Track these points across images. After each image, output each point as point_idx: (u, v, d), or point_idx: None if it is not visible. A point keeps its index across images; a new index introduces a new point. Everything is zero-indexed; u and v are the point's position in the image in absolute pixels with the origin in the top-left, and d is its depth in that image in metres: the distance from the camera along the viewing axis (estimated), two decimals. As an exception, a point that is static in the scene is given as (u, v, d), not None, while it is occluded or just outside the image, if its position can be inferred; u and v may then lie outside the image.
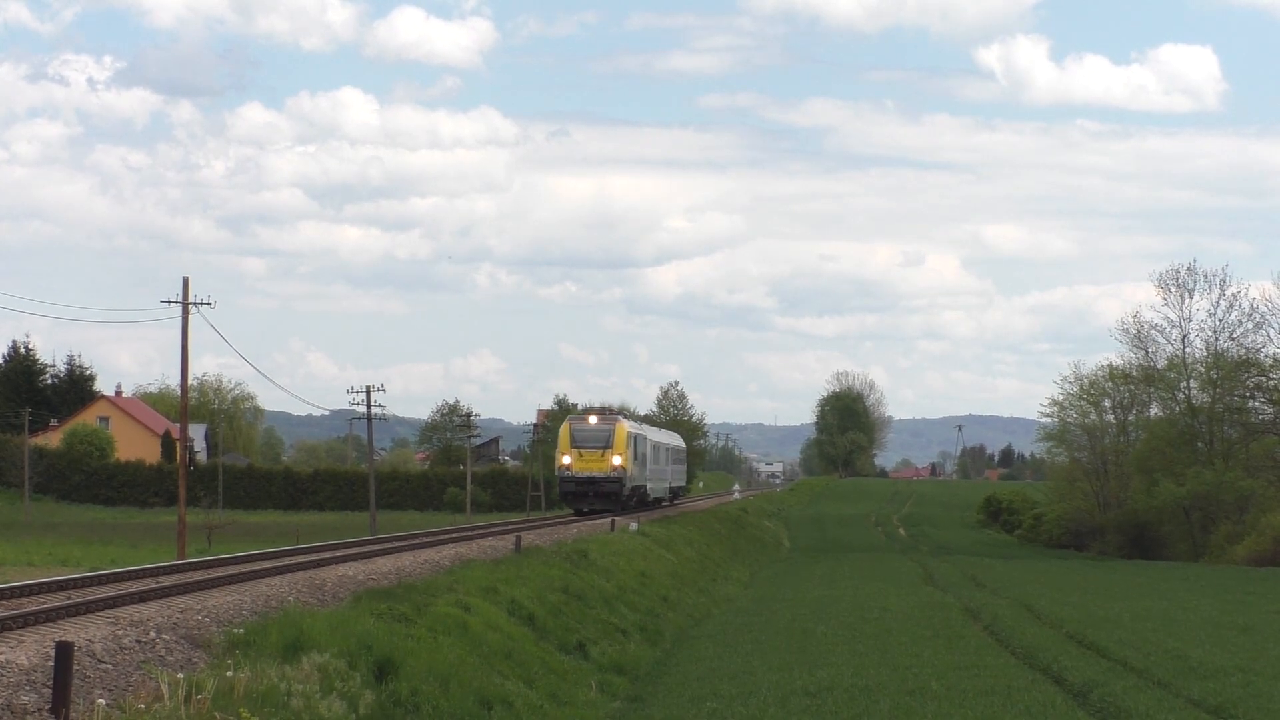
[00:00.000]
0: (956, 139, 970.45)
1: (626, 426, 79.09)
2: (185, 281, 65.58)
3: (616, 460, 77.13)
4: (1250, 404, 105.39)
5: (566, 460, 77.54)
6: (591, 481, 77.30)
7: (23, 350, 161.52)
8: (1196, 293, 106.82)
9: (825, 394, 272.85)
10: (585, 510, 78.12)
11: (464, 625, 28.90)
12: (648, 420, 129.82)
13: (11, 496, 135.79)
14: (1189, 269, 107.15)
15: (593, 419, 79.19)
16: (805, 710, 26.76)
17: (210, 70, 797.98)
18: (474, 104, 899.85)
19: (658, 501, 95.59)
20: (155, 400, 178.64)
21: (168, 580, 30.75)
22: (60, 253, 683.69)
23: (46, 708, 17.67)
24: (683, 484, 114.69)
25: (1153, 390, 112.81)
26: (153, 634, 23.05)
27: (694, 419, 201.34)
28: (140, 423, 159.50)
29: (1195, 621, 44.79)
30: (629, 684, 31.95)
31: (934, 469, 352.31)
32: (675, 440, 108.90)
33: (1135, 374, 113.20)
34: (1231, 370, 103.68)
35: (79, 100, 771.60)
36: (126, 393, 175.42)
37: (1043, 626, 42.08)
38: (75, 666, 18.18)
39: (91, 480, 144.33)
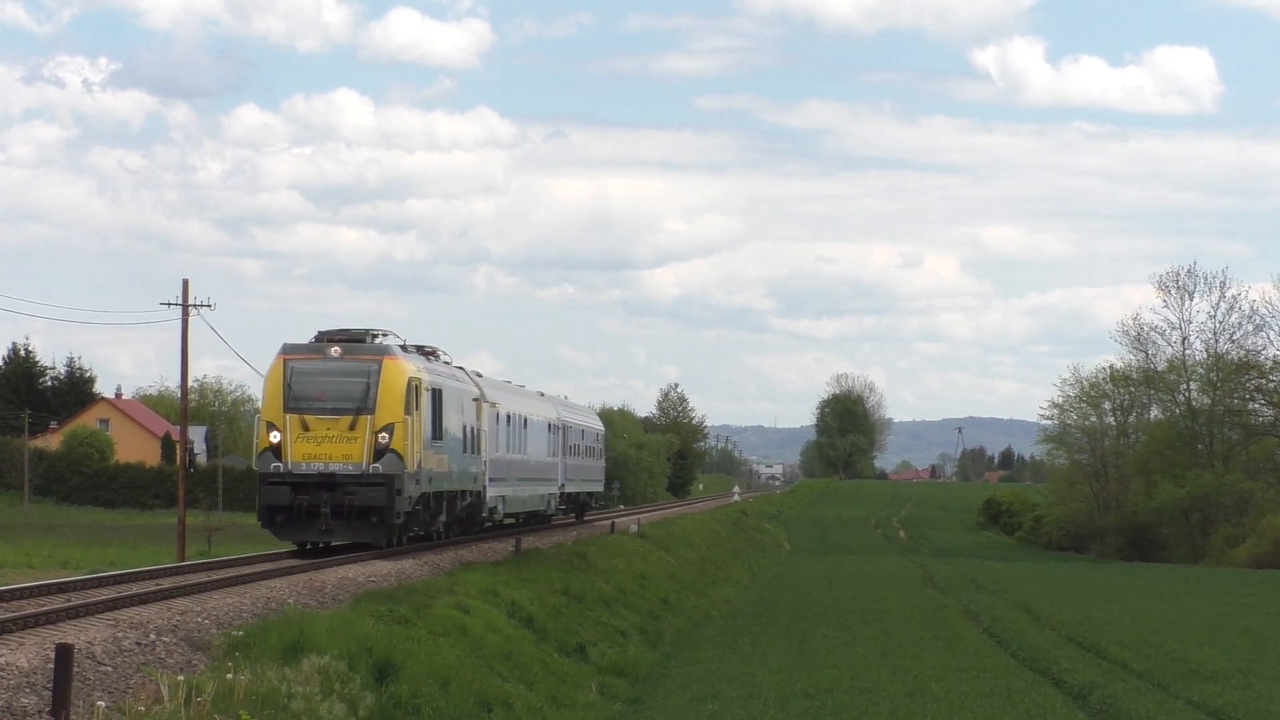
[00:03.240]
0: (954, 140, 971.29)
1: (410, 367, 41.57)
2: (185, 284, 65.54)
3: (383, 437, 40.19)
4: (1250, 406, 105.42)
5: (275, 438, 40.37)
6: (326, 483, 40.05)
7: (22, 352, 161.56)
8: (1196, 295, 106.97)
9: (825, 396, 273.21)
10: (319, 545, 41.26)
11: (464, 627, 28.91)
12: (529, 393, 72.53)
13: (11, 498, 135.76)
14: (1189, 271, 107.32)
15: (334, 351, 40.86)
16: (805, 712, 26.76)
17: (206, 72, 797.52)
18: (471, 105, 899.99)
19: (539, 518, 63.13)
20: (155, 402, 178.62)
21: (168, 582, 30.73)
22: (58, 254, 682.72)
23: (46, 710, 17.66)
24: (598, 489, 78.38)
25: (1153, 392, 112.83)
26: (152, 636, 23.04)
27: (694, 421, 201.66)
28: (140, 425, 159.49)
29: (1195, 624, 44.79)
30: (629, 686, 31.95)
31: (934, 471, 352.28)
32: (577, 418, 71.26)
33: (1135, 376, 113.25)
34: (1231, 372, 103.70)
35: (74, 102, 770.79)
36: (126, 395, 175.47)
37: (1043, 628, 42.10)
38: (75, 669, 18.17)
39: (91, 482, 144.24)
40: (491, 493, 51.27)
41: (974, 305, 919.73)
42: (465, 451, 46.93)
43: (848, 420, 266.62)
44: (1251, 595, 59.10)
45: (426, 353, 45.45)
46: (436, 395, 43.39)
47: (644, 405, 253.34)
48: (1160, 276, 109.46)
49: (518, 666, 28.86)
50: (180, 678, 19.29)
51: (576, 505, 71.80)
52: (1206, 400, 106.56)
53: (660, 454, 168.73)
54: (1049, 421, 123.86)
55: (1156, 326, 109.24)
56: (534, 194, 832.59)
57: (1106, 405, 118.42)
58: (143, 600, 26.95)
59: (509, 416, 54.45)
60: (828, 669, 32.19)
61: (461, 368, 49.90)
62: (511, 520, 58.67)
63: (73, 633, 22.38)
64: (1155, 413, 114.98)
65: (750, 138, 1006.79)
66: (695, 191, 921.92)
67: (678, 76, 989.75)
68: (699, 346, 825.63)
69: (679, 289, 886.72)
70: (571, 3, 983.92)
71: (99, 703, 18.07)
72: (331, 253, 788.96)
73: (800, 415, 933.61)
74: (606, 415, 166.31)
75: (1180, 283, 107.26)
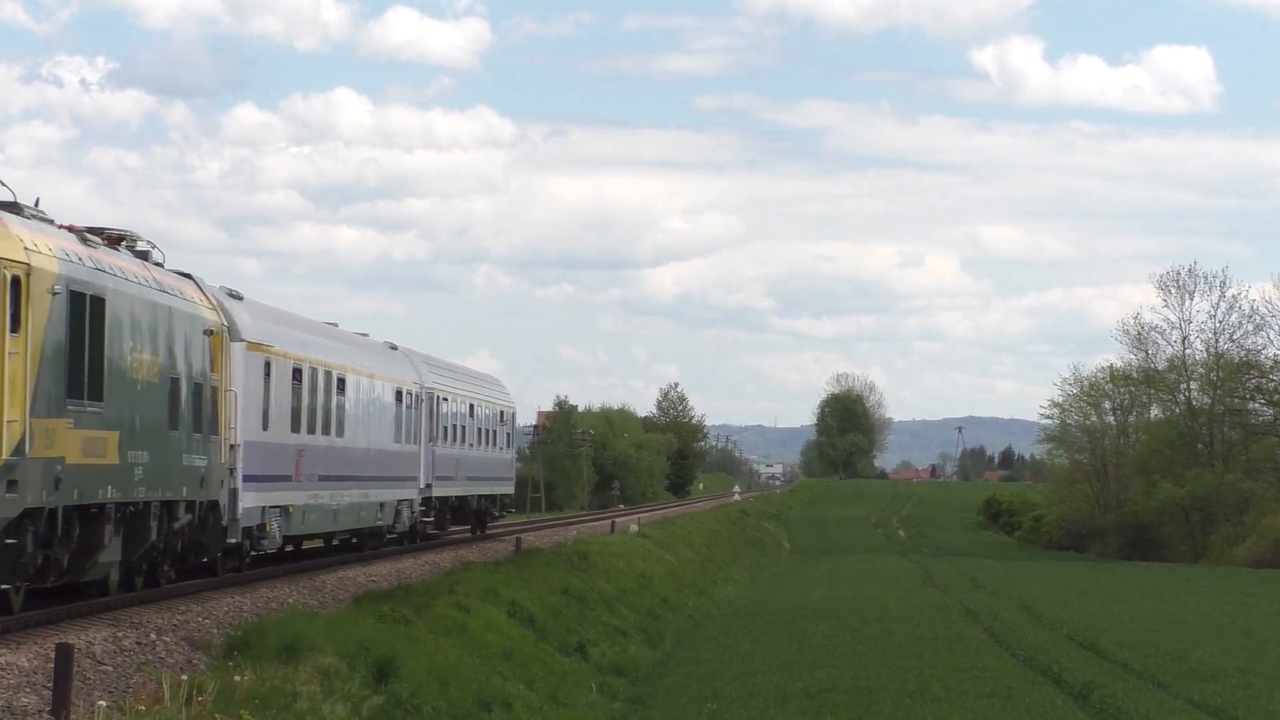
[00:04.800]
0: (953, 140, 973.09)
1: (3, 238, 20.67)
2: (185, 283, 65.19)
3: None
4: (1250, 406, 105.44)
5: None
6: None
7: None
8: (1196, 294, 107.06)
9: (825, 396, 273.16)
10: None
11: (464, 627, 28.90)
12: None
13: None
14: (1189, 270, 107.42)
15: None
16: (805, 711, 26.76)
17: (204, 71, 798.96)
18: (470, 104, 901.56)
19: (379, 536, 42.86)
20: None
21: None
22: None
23: (47, 710, 17.66)
24: (505, 490, 58.36)
25: (1153, 392, 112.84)
26: (153, 636, 23.06)
27: (694, 420, 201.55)
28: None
29: (1195, 623, 44.83)
30: (629, 685, 31.92)
31: (934, 471, 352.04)
32: (460, 387, 51.77)
33: (1135, 375, 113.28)
34: (1232, 372, 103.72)
35: (73, 102, 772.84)
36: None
37: (1043, 628, 42.10)
38: (75, 668, 18.16)
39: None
40: (251, 502, 31.80)
41: (973, 305, 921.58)
42: (178, 428, 27.17)
43: (848, 420, 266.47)
44: (1252, 595, 59.15)
45: (91, 234, 25.02)
46: (87, 307, 23.30)
47: (644, 405, 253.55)
48: (1160, 276, 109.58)
49: (518, 666, 28.84)
50: (181, 677, 19.29)
51: (468, 514, 53.06)
52: (1207, 400, 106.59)
53: (660, 454, 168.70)
54: (1049, 421, 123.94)
55: (1156, 326, 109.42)
56: (533, 193, 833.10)
57: (1106, 405, 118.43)
58: (143, 600, 26.95)
59: (298, 372, 34.81)
60: (828, 668, 32.17)
61: (189, 275, 29.74)
62: (316, 543, 40.99)
63: (73, 632, 22.38)
64: (1155, 412, 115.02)
65: (750, 137, 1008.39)
66: (695, 191, 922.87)
67: (677, 76, 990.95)
68: (699, 346, 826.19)
69: (679, 288, 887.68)
70: (570, 2, 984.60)
71: (99, 702, 18.06)
72: (330, 252, 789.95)
73: (800, 415, 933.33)
74: (606, 415, 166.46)
75: (1180, 282, 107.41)
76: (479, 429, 53.40)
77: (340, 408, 38.19)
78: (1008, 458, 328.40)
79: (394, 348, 46.39)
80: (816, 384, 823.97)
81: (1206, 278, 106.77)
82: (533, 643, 31.80)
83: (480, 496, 54.05)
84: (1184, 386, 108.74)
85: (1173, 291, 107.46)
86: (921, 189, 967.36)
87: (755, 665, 33.37)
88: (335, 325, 42.41)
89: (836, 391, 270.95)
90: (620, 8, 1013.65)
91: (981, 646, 37.29)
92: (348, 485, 38.87)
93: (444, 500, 49.13)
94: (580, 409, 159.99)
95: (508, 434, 58.78)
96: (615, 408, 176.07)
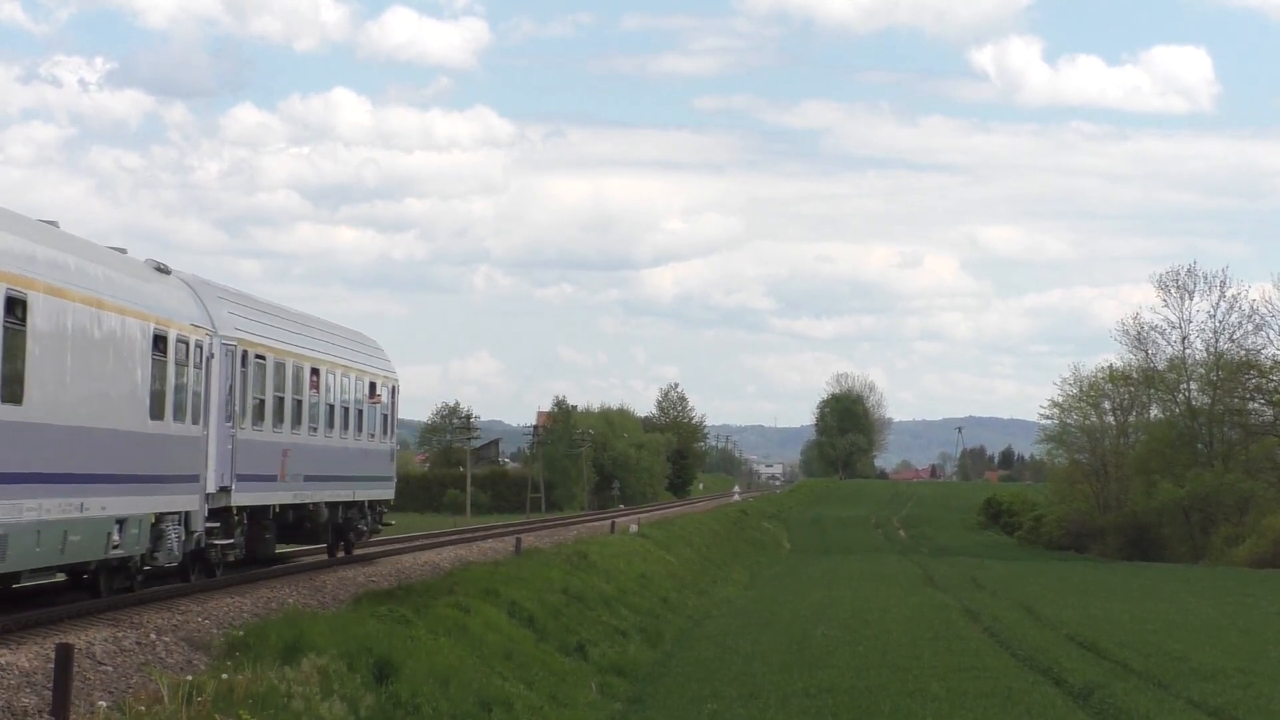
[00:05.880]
0: (952, 140, 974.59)
1: None
2: (187, 284, 64.64)
3: None
4: (1250, 406, 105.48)
5: None
6: None
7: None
8: (1197, 294, 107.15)
9: (825, 396, 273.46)
10: None
11: (464, 627, 28.88)
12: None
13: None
14: (1189, 270, 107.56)
15: None
16: (806, 712, 26.74)
17: (203, 71, 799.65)
18: (469, 104, 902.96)
19: (112, 572, 26.12)
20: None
21: (168, 583, 30.72)
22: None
23: (47, 710, 17.65)
24: (382, 493, 43.00)
25: (1152, 392, 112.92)
26: (153, 636, 23.06)
27: (694, 420, 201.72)
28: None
29: (1196, 623, 44.84)
30: (629, 685, 31.90)
31: (934, 471, 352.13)
32: (293, 340, 35.49)
33: (1135, 375, 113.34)
34: (1231, 372, 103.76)
35: (72, 102, 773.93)
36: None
37: (1043, 628, 42.09)
38: (75, 669, 18.16)
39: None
40: None
41: (973, 305, 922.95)
42: None
43: (848, 420, 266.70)
44: (1251, 595, 59.15)
45: None
46: None
47: (644, 405, 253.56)
48: (1160, 276, 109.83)
49: (518, 666, 28.83)
50: (180, 678, 19.27)
51: (317, 530, 37.92)
52: (1206, 400, 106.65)
53: (660, 454, 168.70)
54: (1049, 421, 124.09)
55: (1156, 326, 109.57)
56: (533, 193, 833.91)
57: (1106, 405, 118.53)
58: (143, 601, 26.95)
59: None
60: (828, 668, 32.16)
61: None
62: None
63: (73, 632, 22.38)
64: (1155, 412, 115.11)
65: (749, 138, 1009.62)
66: (694, 191, 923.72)
67: (676, 76, 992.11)
68: (698, 346, 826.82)
69: (678, 289, 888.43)
70: (569, 2, 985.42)
71: (99, 702, 18.06)
72: (330, 252, 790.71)
73: (800, 415, 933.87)
74: (606, 415, 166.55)
75: (1180, 282, 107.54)
76: (331, 406, 37.75)
77: (19, 354, 21.49)
78: (1008, 458, 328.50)
79: (165, 270, 29.76)
80: (816, 384, 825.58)
81: (1206, 278, 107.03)
82: (533, 643, 31.79)
83: (337, 504, 38.72)
84: (1184, 386, 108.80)
85: (1172, 291, 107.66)
86: (921, 189, 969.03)
87: (755, 665, 33.37)
88: (55, 224, 24.62)
89: (836, 391, 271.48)
90: (619, 8, 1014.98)
91: (982, 647, 37.28)
92: (37, 492, 22.27)
93: (257, 512, 33.38)
94: (580, 409, 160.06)
95: (384, 415, 42.52)
96: (615, 408, 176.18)
